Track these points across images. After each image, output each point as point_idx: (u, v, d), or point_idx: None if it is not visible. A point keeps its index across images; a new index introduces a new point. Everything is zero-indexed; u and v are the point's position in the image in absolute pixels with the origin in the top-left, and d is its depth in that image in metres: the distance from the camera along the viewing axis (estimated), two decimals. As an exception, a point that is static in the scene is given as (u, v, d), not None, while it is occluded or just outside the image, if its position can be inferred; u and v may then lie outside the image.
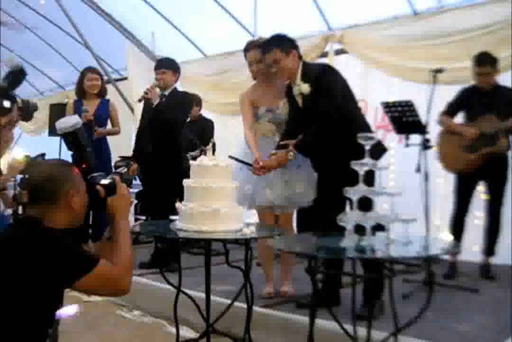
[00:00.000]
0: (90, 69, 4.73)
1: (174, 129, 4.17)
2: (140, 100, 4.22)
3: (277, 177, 3.21)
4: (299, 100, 3.10)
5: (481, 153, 3.77)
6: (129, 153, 6.68)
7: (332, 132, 2.94)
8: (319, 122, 2.97)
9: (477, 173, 3.82)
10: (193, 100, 4.61)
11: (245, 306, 2.64)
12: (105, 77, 6.74)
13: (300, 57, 3.10)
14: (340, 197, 2.75)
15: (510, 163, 3.86)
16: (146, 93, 4.14)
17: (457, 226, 3.90)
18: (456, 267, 3.90)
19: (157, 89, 4.20)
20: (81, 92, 4.64)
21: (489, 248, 3.89)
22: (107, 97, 4.77)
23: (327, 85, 2.97)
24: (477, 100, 3.85)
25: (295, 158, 3.04)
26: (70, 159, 4.69)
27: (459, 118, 4.03)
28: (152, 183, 4.31)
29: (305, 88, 3.00)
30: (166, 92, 4.24)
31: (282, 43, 3.05)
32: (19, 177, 3.83)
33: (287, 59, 3.02)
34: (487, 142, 3.75)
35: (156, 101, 4.14)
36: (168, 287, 2.80)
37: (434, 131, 3.89)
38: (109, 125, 4.72)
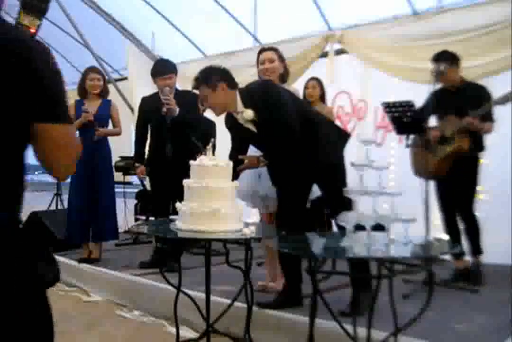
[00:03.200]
0: (92, 69, 4.73)
1: (192, 131, 4.15)
2: (166, 113, 4.10)
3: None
4: (251, 127, 2.97)
5: (442, 156, 3.67)
6: (128, 153, 6.68)
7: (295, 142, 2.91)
8: (282, 134, 2.90)
9: (450, 176, 3.72)
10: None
11: (245, 306, 2.65)
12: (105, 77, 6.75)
13: (234, 86, 2.96)
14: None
15: (480, 166, 3.74)
16: (168, 104, 4.07)
17: (451, 231, 3.82)
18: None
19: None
20: (83, 92, 4.63)
21: (475, 247, 3.76)
22: (108, 97, 4.77)
23: (274, 98, 2.90)
24: (443, 101, 3.74)
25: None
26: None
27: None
28: (165, 184, 4.17)
29: (249, 114, 2.89)
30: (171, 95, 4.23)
31: (208, 78, 2.91)
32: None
33: (214, 95, 2.90)
34: (446, 144, 3.65)
35: (177, 110, 4.09)
36: (168, 287, 2.80)
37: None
38: (110, 126, 4.71)
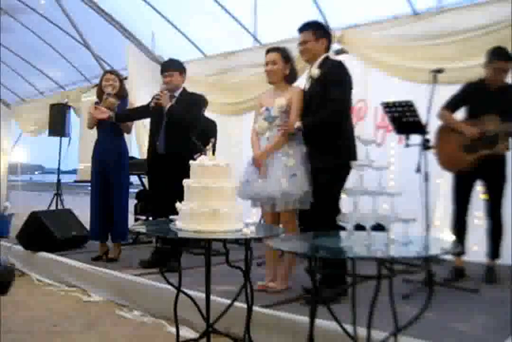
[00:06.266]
0: (109, 71, 4.80)
1: (189, 130, 4.15)
2: (153, 108, 4.15)
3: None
4: (307, 84, 3.42)
5: (479, 155, 3.70)
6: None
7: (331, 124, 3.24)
8: (328, 108, 3.23)
9: (474, 172, 3.75)
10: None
11: (245, 306, 2.64)
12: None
13: (327, 48, 3.44)
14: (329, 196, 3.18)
15: (508, 163, 3.79)
16: (157, 99, 4.11)
17: (459, 227, 3.83)
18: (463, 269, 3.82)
19: (166, 92, 4.18)
20: (101, 93, 4.61)
21: (494, 250, 3.79)
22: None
23: (338, 76, 3.27)
24: (483, 97, 3.75)
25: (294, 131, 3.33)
26: (69, 159, 4.74)
27: (460, 113, 3.94)
28: (162, 184, 4.17)
29: (316, 72, 3.33)
30: (176, 94, 4.25)
31: (317, 29, 3.43)
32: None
33: (313, 43, 3.38)
34: (487, 144, 3.67)
35: (168, 105, 4.12)
36: (168, 287, 2.80)
37: (434, 131, 3.87)
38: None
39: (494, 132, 3.65)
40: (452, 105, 3.85)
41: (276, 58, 3.49)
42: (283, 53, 3.50)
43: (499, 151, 3.68)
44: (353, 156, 3.23)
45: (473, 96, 3.81)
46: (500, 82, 3.77)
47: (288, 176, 3.30)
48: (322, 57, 3.37)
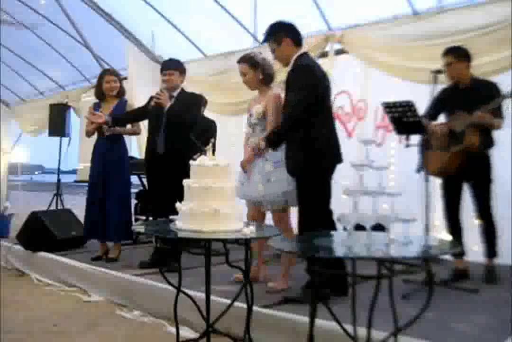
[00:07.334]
0: (108, 71, 4.77)
1: (189, 130, 4.15)
2: (153, 107, 4.17)
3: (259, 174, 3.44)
4: (282, 86, 3.34)
5: (452, 152, 3.68)
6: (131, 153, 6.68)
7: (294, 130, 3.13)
8: (286, 115, 3.17)
9: (459, 173, 3.72)
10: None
11: (245, 306, 2.64)
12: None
13: (297, 43, 3.24)
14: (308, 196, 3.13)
15: (492, 163, 3.76)
16: (158, 98, 4.13)
17: (453, 230, 3.83)
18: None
19: (165, 92, 4.20)
20: (100, 94, 4.61)
21: (490, 250, 3.78)
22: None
23: (296, 80, 3.12)
24: (454, 98, 3.78)
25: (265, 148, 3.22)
26: (69, 159, 4.74)
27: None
28: (162, 184, 4.17)
29: (283, 76, 3.26)
30: (175, 94, 4.26)
31: (275, 34, 3.25)
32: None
33: (279, 49, 3.25)
34: (456, 140, 3.66)
35: (168, 105, 4.14)
36: (168, 287, 2.80)
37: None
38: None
39: (460, 127, 3.64)
40: (430, 112, 3.84)
41: (244, 69, 3.56)
42: (249, 61, 3.55)
43: (469, 145, 3.62)
44: (326, 158, 3.17)
45: (447, 100, 3.82)
46: (467, 81, 3.77)
47: (265, 180, 3.39)
48: (294, 57, 3.22)
